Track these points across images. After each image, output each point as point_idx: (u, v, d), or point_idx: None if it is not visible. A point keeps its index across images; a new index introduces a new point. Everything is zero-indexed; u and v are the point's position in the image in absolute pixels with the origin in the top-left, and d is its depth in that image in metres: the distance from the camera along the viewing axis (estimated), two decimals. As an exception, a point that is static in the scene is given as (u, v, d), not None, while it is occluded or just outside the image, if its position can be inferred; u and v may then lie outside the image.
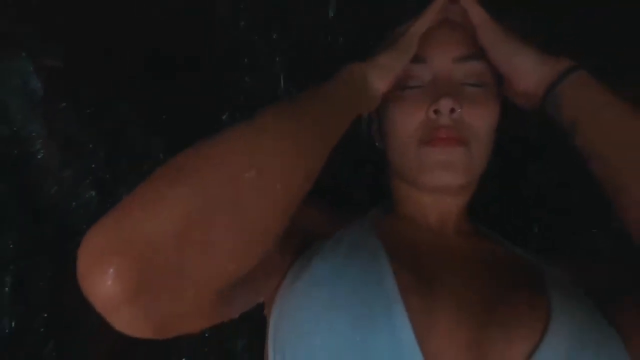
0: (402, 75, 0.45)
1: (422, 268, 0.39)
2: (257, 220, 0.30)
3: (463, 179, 0.43)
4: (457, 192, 0.46)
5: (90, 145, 0.56)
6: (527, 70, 0.42)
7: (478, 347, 0.34)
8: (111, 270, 0.25)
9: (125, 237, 0.26)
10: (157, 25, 0.57)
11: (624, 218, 0.36)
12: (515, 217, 0.61)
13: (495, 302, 0.37)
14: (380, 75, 0.43)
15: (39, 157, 0.55)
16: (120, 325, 0.27)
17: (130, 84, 0.57)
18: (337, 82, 0.40)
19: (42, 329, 0.53)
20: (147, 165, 0.57)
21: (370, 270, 0.37)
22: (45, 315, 0.53)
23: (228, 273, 0.29)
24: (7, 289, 0.52)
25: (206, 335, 0.59)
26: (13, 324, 0.51)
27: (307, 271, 0.38)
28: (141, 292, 0.25)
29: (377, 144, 0.53)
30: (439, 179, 0.43)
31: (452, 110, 0.42)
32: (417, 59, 0.45)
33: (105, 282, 0.24)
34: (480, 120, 0.43)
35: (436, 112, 0.42)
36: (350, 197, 0.63)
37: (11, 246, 0.53)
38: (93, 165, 0.57)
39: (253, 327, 0.57)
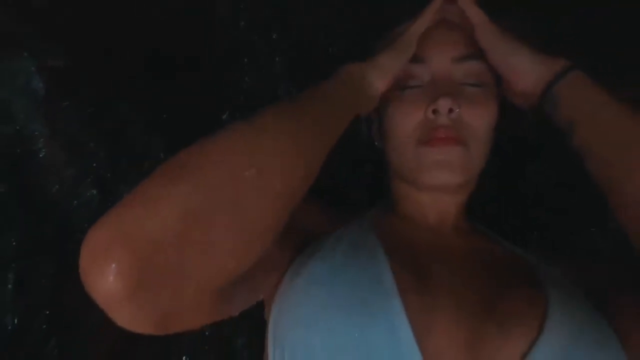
0: (401, 75, 0.45)
1: (421, 267, 0.40)
2: (256, 219, 0.30)
3: (461, 178, 0.43)
4: (455, 191, 0.47)
5: (92, 144, 0.57)
6: (525, 70, 0.43)
7: (476, 345, 0.34)
8: (113, 265, 0.25)
9: (126, 234, 0.26)
10: (157, 25, 0.57)
11: (620, 218, 0.36)
12: (513, 217, 0.61)
13: (493, 300, 0.37)
14: (378, 75, 0.43)
15: (41, 155, 0.55)
16: (122, 321, 0.27)
17: (130, 84, 0.57)
18: (336, 82, 0.41)
19: (42, 329, 0.53)
20: (148, 164, 0.57)
21: (369, 269, 0.37)
22: (46, 314, 0.53)
23: (228, 271, 0.29)
24: (10, 286, 0.52)
25: (206, 333, 0.59)
26: (16, 320, 0.52)
27: (305, 269, 0.38)
28: (142, 287, 0.26)
29: (376, 143, 0.54)
30: (437, 178, 0.43)
31: (451, 110, 0.42)
32: (415, 59, 0.45)
33: (107, 277, 0.25)
34: (479, 120, 0.44)
35: (435, 112, 0.43)
36: (349, 196, 0.63)
37: (14, 244, 0.53)
38: (94, 164, 0.57)
39: (253, 325, 0.57)
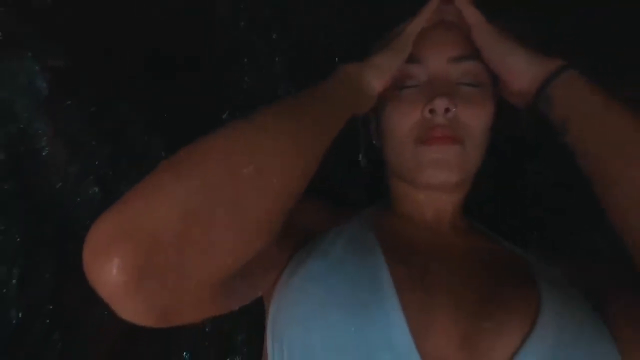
0: (398, 75, 0.45)
1: (418, 265, 0.40)
2: (256, 217, 0.30)
3: (458, 176, 0.44)
4: (452, 190, 0.47)
5: (93, 143, 0.57)
6: (520, 69, 0.43)
7: (471, 342, 0.35)
8: (116, 259, 0.25)
9: (128, 228, 0.26)
10: (157, 25, 0.57)
11: (612, 216, 0.36)
12: (511, 216, 0.61)
13: (489, 298, 0.38)
14: (376, 75, 0.44)
15: (43, 154, 0.56)
16: (125, 314, 0.28)
17: (130, 84, 0.57)
18: (335, 82, 0.41)
19: (42, 329, 0.53)
20: (148, 164, 0.58)
21: (367, 267, 0.38)
22: (49, 309, 0.54)
23: (227, 267, 0.30)
24: (14, 281, 0.53)
25: (206, 329, 0.60)
26: (20, 314, 0.52)
27: (303, 267, 0.39)
28: (144, 281, 0.26)
29: (374, 142, 0.54)
30: (434, 177, 0.44)
31: (447, 110, 0.42)
32: (412, 59, 0.45)
33: (110, 271, 0.25)
34: (476, 119, 0.44)
35: (431, 111, 0.43)
36: (347, 196, 0.63)
37: (17, 239, 0.54)
38: (96, 163, 0.57)
39: (252, 321, 0.58)
